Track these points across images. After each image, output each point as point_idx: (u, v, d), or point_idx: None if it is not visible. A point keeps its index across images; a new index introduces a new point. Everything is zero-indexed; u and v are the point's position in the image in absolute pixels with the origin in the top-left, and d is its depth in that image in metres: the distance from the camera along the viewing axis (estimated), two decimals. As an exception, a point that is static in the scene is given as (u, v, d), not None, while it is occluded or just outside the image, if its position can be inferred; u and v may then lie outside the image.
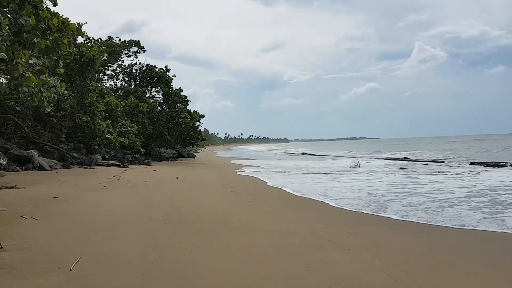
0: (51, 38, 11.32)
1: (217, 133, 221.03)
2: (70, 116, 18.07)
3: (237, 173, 20.34)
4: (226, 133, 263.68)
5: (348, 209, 9.63)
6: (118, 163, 19.55)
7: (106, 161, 19.58)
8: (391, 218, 8.58)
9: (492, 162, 27.00)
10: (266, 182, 15.41)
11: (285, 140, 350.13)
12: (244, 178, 17.33)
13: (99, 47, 27.30)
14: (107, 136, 19.19)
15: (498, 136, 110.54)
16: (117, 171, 16.66)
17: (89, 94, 17.84)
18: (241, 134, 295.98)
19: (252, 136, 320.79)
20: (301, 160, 38.76)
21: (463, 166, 26.18)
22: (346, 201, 10.83)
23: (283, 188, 13.45)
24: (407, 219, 8.35)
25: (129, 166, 20.38)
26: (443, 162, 31.44)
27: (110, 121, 20.46)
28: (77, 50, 17.08)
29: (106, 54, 28.13)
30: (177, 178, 15.38)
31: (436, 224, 7.86)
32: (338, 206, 9.99)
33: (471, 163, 27.93)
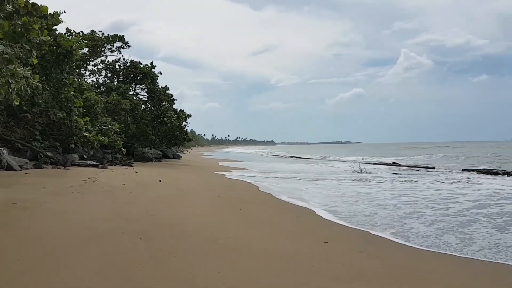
0: (19, 22, 10.04)
1: (204, 134, 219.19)
2: (45, 111, 16.64)
3: (226, 176, 19.11)
4: (213, 135, 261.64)
5: (355, 222, 8.51)
6: (96, 163, 18.16)
7: (83, 161, 18.16)
8: (410, 240, 7.48)
9: (484, 169, 26.35)
10: (258, 187, 14.24)
11: (272, 143, 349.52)
12: (234, 182, 16.12)
13: (80, 41, 25.86)
14: (85, 134, 17.82)
15: (480, 143, 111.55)
16: (94, 172, 15.30)
17: (66, 89, 16.46)
18: (228, 135, 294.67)
19: (239, 138, 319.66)
20: (291, 163, 37.71)
21: (456, 173, 25.44)
22: (351, 211, 9.72)
23: (278, 195, 12.28)
24: (438, 250, 6.37)
25: (109, 167, 18.99)
26: (434, 168, 30.72)
27: (89, 118, 19.06)
28: (53, 40, 15.69)
29: (87, 49, 26.72)
30: (160, 181, 14.10)
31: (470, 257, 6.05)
32: (343, 218, 8.87)
33: (463, 170, 27.22)
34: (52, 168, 15.58)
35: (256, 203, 10.70)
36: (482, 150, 60.05)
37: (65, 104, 16.67)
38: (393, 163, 37.45)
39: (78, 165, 17.56)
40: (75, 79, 18.28)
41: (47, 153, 16.20)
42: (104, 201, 9.03)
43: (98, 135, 18.53)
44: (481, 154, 48.91)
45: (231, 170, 23.02)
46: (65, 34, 21.96)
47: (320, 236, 6.92)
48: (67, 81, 16.34)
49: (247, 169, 24.96)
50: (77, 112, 17.28)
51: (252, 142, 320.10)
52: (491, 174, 24.17)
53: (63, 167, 15.96)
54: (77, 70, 26.74)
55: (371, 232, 7.50)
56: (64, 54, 16.23)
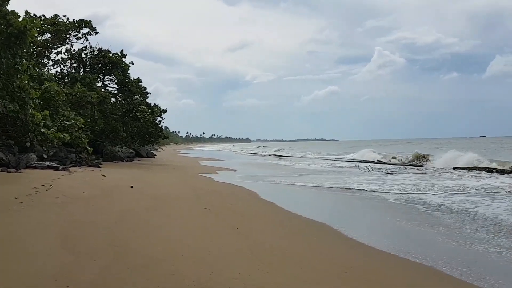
0: None
1: (178, 132, 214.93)
2: (-8, 104, 13.95)
3: (210, 178, 16.81)
4: (187, 132, 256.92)
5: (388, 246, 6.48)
6: (56, 165, 15.55)
7: (41, 162, 15.54)
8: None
9: (475, 166, 25.08)
10: (257, 194, 12.08)
11: (247, 140, 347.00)
12: (222, 187, 13.86)
13: (36, 21, 22.97)
14: (42, 130, 15.14)
15: (450, 140, 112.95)
16: (52, 176, 12.76)
17: (18, 76, 13.80)
18: (203, 133, 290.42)
19: (214, 135, 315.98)
20: (279, 162, 35.73)
21: (449, 172, 24.00)
22: (382, 231, 7.71)
23: (283, 205, 10.11)
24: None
25: (71, 168, 16.44)
26: (422, 166, 29.33)
27: (49, 112, 16.39)
28: (1, 17, 13.05)
29: (50, 34, 23.87)
30: (132, 187, 11.72)
31: None
32: (373, 241, 6.83)
33: (454, 168, 25.85)
34: (1, 171, 12.95)
35: (255, 217, 8.54)
36: (457, 146, 59.78)
37: (18, 94, 14.03)
38: (378, 161, 36.13)
39: (35, 167, 14.95)
40: (30, 65, 15.53)
41: (-6, 153, 13.55)
42: (53, 221, 6.68)
43: (59, 131, 15.89)
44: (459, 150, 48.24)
45: (217, 171, 20.71)
46: (26, 16, 19.16)
47: (363, 271, 4.84)
48: (19, 67, 13.70)
49: (232, 169, 22.74)
50: (33, 105, 14.64)
51: (228, 139, 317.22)
52: (485, 171, 22.90)
53: (14, 170, 13.35)
54: (38, 59, 23.87)
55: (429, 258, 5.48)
56: (16, 35, 13.56)
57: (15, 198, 8.33)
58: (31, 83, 16.39)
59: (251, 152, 68.83)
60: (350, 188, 14.33)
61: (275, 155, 54.66)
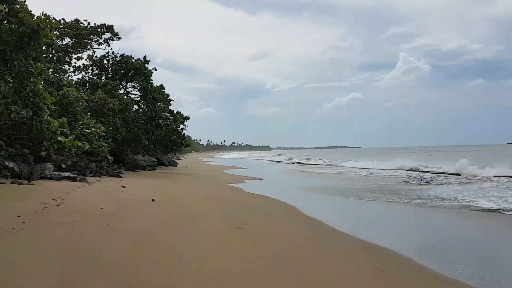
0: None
1: (200, 140, 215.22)
2: (5, 110, 12.92)
3: (239, 189, 15.39)
4: (208, 140, 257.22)
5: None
6: (73, 175, 14.48)
7: (57, 173, 14.49)
8: None
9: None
10: (296, 208, 10.62)
11: (268, 148, 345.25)
12: (252, 199, 12.41)
13: (62, 29, 22.26)
14: (59, 138, 14.01)
15: (477, 147, 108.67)
16: (67, 188, 11.62)
17: (32, 80, 12.73)
18: (224, 141, 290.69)
19: (235, 143, 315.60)
20: (308, 170, 34.12)
21: (491, 180, 21.91)
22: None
23: (333, 224, 8.62)
24: None
25: (90, 178, 15.34)
26: (459, 174, 27.17)
27: (67, 119, 15.32)
28: (15, 17, 12.03)
29: (70, 39, 23.10)
30: (153, 200, 10.44)
31: None
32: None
33: (496, 176, 23.65)
34: (12, 183, 11.89)
35: (304, 243, 7.01)
36: (487, 153, 56.83)
37: (32, 100, 12.95)
38: (412, 169, 33.90)
39: (50, 178, 13.91)
40: (45, 68, 14.54)
41: (5, 163, 12.53)
42: (56, 248, 5.39)
43: (77, 140, 14.78)
44: (491, 157, 45.56)
45: (245, 180, 19.26)
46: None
47: None
48: (33, 70, 12.64)
49: (259, 179, 21.29)
50: (48, 111, 13.54)
51: (248, 147, 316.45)
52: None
53: (26, 182, 12.28)
54: (58, 64, 23.11)
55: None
56: (29, 35, 12.48)
57: (18, 216, 7.14)
58: (49, 89, 15.44)
59: (274, 160, 67.15)
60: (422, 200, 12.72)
61: (298, 162, 52.88)
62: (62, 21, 22.43)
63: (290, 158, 66.30)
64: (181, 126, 27.05)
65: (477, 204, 12.05)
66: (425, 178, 21.63)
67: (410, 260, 6.08)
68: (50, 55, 21.42)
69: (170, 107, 28.04)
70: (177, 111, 27.79)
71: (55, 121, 14.49)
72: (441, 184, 19.46)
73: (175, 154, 41.73)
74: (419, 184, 19.65)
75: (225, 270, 5.02)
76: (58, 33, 22.75)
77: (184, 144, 28.49)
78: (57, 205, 8.74)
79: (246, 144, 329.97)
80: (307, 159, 58.83)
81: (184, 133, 28.06)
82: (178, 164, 38.03)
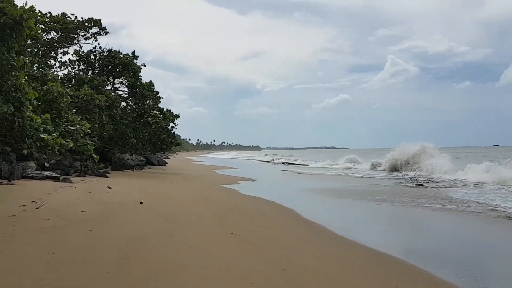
0: None
1: (189, 139, 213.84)
2: (-16, 105, 12.13)
3: (233, 191, 14.78)
4: (198, 139, 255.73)
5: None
6: (56, 175, 13.73)
7: (39, 172, 13.73)
8: None
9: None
10: (295, 212, 10.05)
11: (257, 148, 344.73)
12: (247, 202, 11.81)
13: (48, 22, 21.39)
14: (42, 136, 13.26)
15: (465, 149, 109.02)
16: (49, 189, 10.91)
17: (13, 73, 11.97)
18: (214, 140, 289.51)
19: (224, 143, 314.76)
20: (299, 169, 33.60)
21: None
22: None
23: (336, 230, 8.06)
24: None
25: (75, 178, 14.60)
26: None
27: (50, 116, 14.54)
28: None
29: (56, 33, 22.24)
30: (141, 203, 9.78)
31: None
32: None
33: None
34: (-10, 182, 11.14)
35: (307, 252, 6.46)
36: (476, 155, 56.91)
37: (13, 94, 12.18)
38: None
39: (32, 177, 13.16)
40: (28, 60, 13.76)
41: (-17, 161, 11.76)
42: (30, 261, 4.73)
43: (61, 137, 14.02)
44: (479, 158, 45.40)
45: (238, 181, 18.64)
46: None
47: None
48: (15, 63, 11.87)
49: (252, 179, 20.69)
50: (30, 107, 12.78)
51: (238, 147, 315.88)
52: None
53: (6, 181, 11.53)
54: (43, 59, 22.24)
55: None
56: (11, 26, 11.72)
57: (-9, 221, 6.44)
58: (32, 84, 14.67)
59: (264, 160, 66.60)
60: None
61: (288, 163, 52.37)
62: (48, 15, 21.56)
63: (281, 157, 66.09)
64: (171, 124, 26.31)
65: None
66: (421, 180, 21.23)
67: (427, 273, 5.56)
68: (36, 49, 20.55)
69: (159, 105, 27.26)
70: (167, 109, 27.02)
71: (38, 117, 13.68)
72: (447, 187, 18.64)
73: (164, 153, 40.93)
74: (416, 185, 19.24)
75: (223, 285, 4.43)
76: (43, 27, 21.88)
77: (174, 143, 27.74)
78: (37, 208, 8.06)
79: (236, 144, 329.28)
80: (295, 160, 58.40)
81: (174, 132, 27.32)
82: (167, 163, 37.25)
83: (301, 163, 49.79)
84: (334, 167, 40.84)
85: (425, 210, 11.54)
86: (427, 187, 18.63)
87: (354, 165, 40.05)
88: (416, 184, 19.50)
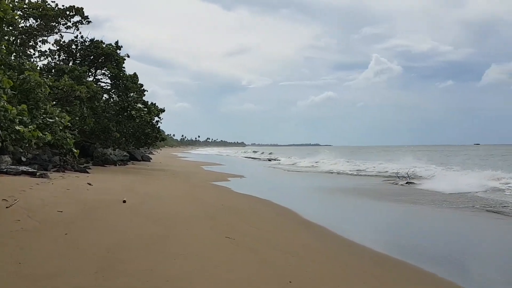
0: None
1: (174, 135, 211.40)
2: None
3: (224, 188, 14.04)
4: (182, 135, 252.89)
5: None
6: (32, 170, 12.82)
7: (14, 167, 12.80)
8: None
9: None
10: (295, 213, 9.38)
11: (242, 144, 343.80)
12: (240, 201, 11.10)
13: (26, 8, 20.26)
14: (17, 128, 12.33)
15: (447, 147, 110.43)
16: (24, 185, 10.02)
17: (-15, 60, 11.03)
18: (198, 136, 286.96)
19: (209, 139, 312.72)
20: (287, 166, 33.03)
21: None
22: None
23: (339, 231, 7.43)
24: None
25: (52, 174, 13.69)
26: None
27: (27, 107, 13.58)
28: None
29: (35, 20, 21.10)
30: (124, 201, 9.00)
31: None
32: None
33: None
34: (-42, 178, 10.20)
35: (314, 259, 5.79)
36: (456, 153, 57.37)
37: (-15, 83, 11.22)
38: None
39: (6, 173, 12.23)
40: (3, 46, 12.78)
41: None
42: (-10, 275, 3.95)
43: (38, 130, 13.08)
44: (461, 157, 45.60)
45: (228, 178, 17.92)
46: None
47: None
48: (-14, 50, 10.93)
49: (242, 176, 20.01)
50: (5, 96, 11.84)
51: (223, 143, 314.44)
52: None
53: (-24, 177, 10.61)
54: (21, 48, 21.07)
55: None
56: (-18, 8, 10.77)
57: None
58: (8, 73, 13.69)
59: (250, 156, 65.97)
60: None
61: (275, 159, 51.78)
62: (26, 0, 20.40)
63: (270, 154, 65.66)
64: (156, 118, 25.38)
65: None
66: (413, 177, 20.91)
67: (451, 284, 4.98)
68: (13, 37, 19.40)
69: (144, 99, 26.29)
70: (152, 103, 26.07)
71: (14, 108, 12.71)
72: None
73: (148, 148, 39.88)
74: (407, 182, 18.89)
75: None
76: (21, 13, 20.71)
77: (159, 138, 26.83)
78: (7, 207, 7.22)
79: (221, 140, 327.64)
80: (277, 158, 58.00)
81: (159, 126, 26.40)
82: (151, 159, 36.28)
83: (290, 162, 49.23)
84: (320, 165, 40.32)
85: (416, 207, 11.11)
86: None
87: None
88: (407, 183, 19.15)
